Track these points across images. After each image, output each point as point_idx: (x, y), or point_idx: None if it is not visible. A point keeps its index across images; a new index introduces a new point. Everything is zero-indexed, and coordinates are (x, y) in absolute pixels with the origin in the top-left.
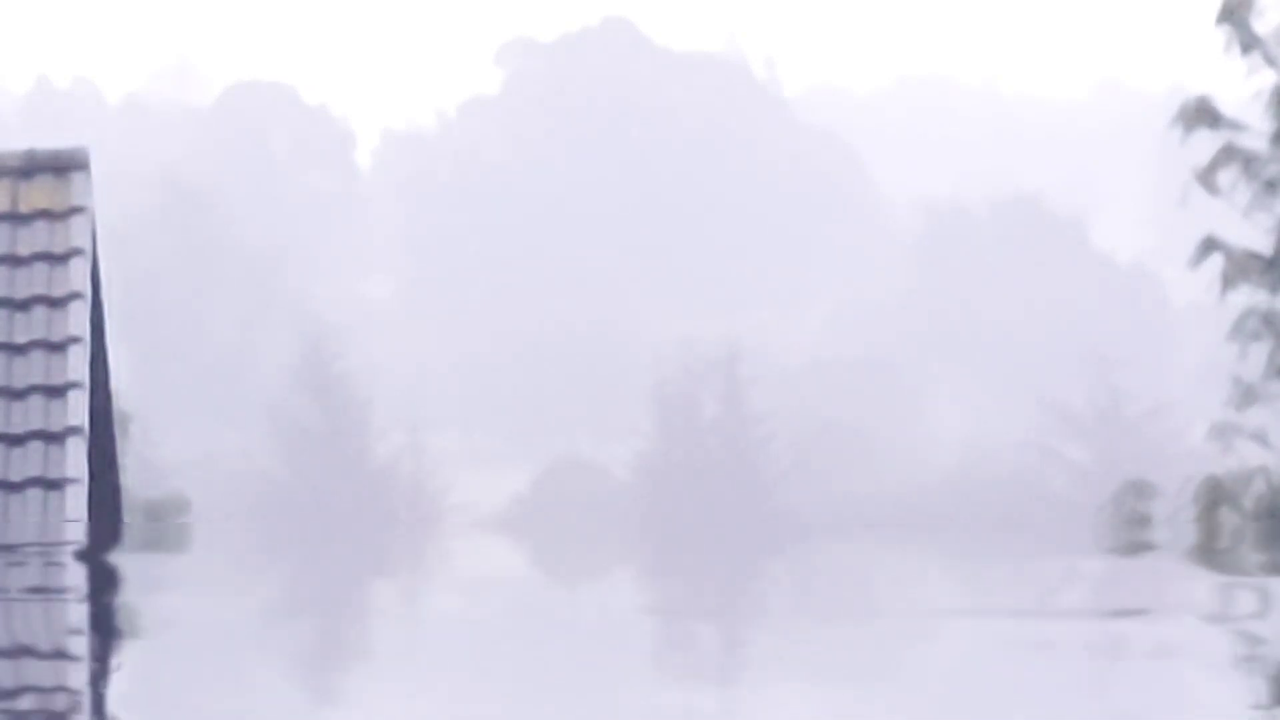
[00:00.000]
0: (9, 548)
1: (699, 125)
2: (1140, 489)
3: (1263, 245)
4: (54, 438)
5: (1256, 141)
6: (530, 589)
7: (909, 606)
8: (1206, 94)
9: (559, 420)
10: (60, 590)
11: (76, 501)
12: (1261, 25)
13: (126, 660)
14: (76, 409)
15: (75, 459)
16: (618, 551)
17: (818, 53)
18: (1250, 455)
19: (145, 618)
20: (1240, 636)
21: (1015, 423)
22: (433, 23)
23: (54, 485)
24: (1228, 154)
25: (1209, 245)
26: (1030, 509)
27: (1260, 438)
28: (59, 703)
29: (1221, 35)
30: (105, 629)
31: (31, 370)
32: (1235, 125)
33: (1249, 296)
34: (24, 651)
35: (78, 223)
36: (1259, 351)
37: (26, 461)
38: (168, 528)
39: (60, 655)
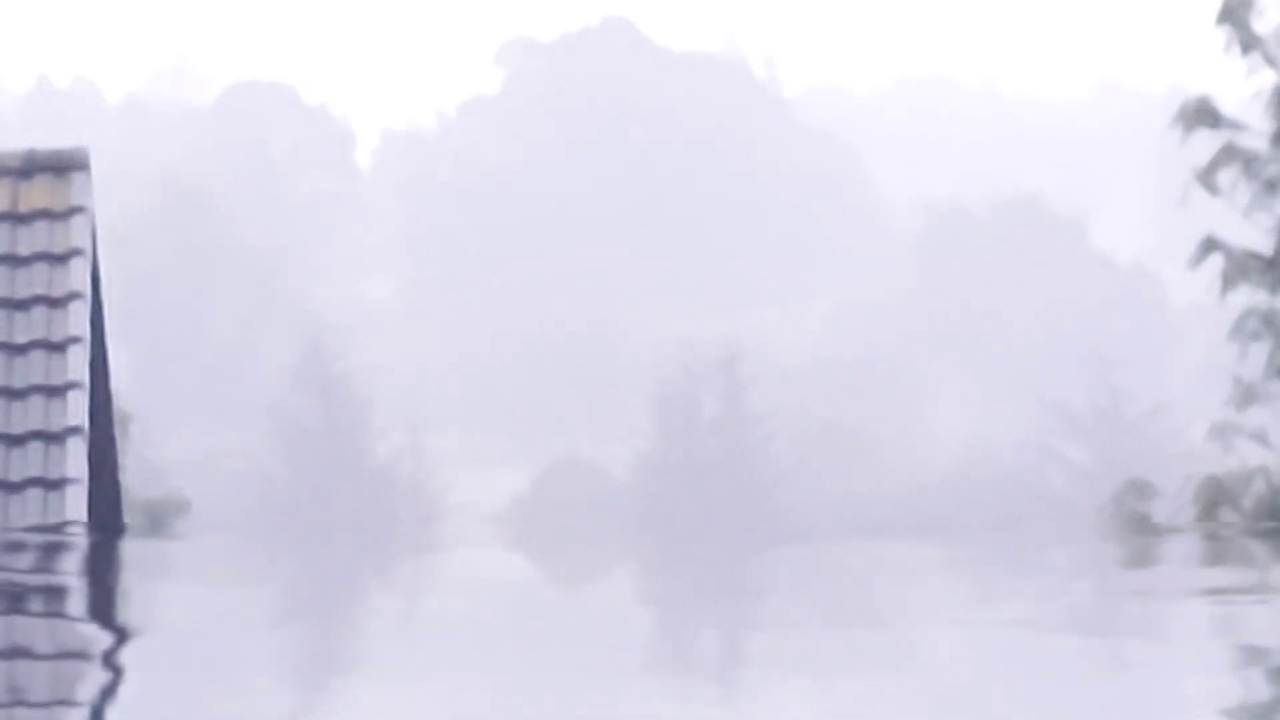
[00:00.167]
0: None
1: (699, 125)
2: (1140, 489)
3: (1263, 245)
4: (54, 438)
5: (1256, 141)
6: (530, 589)
7: (910, 606)
8: (1206, 94)
9: (559, 420)
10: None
11: (76, 501)
12: (1261, 25)
13: (126, 660)
14: (76, 409)
15: (75, 459)
16: (618, 552)
17: (818, 53)
18: (1250, 455)
19: (145, 618)
20: (1241, 636)
21: (1015, 423)
22: (433, 23)
23: (54, 485)
24: (1228, 154)
25: (1209, 245)
26: (1030, 509)
27: (1260, 438)
28: (58, 704)
29: (1221, 35)
30: (104, 629)
31: (31, 370)
32: (1235, 125)
33: (1249, 296)
34: (22, 652)
35: (78, 223)
36: (1259, 351)
37: (26, 461)
38: (167, 528)
39: (60, 656)
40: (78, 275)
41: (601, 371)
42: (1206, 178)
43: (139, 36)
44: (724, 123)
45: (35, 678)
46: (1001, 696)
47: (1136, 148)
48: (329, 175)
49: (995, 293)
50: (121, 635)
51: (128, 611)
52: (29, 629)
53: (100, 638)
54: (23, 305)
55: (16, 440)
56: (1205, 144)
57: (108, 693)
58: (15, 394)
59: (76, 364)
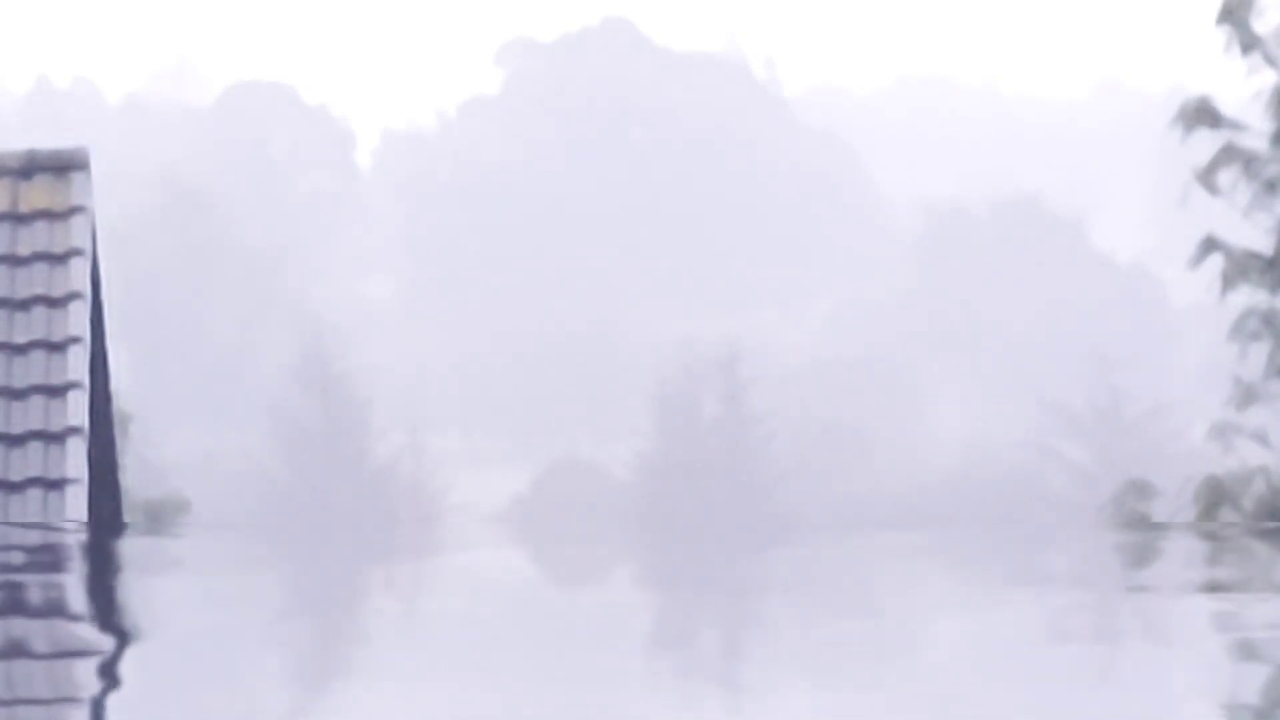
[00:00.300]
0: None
1: (699, 125)
2: (1140, 489)
3: (1263, 245)
4: (54, 438)
5: (1256, 141)
6: (530, 589)
7: (910, 607)
8: (1206, 94)
9: (559, 420)
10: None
11: (76, 501)
12: (1261, 25)
13: (124, 660)
14: (76, 409)
15: (75, 459)
16: (618, 552)
17: (818, 53)
18: (1250, 455)
19: (144, 618)
20: (1240, 637)
21: (1015, 423)
22: (433, 23)
23: (54, 485)
24: (1228, 154)
25: (1209, 245)
26: (1030, 509)
27: (1260, 438)
28: (56, 705)
29: (1221, 35)
30: (103, 630)
31: (31, 370)
32: (1235, 125)
33: (1249, 296)
34: (21, 651)
35: (78, 223)
36: (1259, 351)
37: (26, 461)
38: (167, 528)
39: (59, 656)
40: (78, 275)
41: (601, 371)
42: (1206, 178)
43: (139, 36)
44: (724, 123)
45: (33, 678)
46: (1001, 696)
47: (1136, 148)
48: (329, 175)
49: (995, 293)
50: (119, 635)
51: (126, 611)
52: (26, 629)
53: (99, 637)
54: (23, 305)
55: (16, 440)
56: (1205, 144)
57: (106, 693)
58: (15, 394)
59: (76, 364)
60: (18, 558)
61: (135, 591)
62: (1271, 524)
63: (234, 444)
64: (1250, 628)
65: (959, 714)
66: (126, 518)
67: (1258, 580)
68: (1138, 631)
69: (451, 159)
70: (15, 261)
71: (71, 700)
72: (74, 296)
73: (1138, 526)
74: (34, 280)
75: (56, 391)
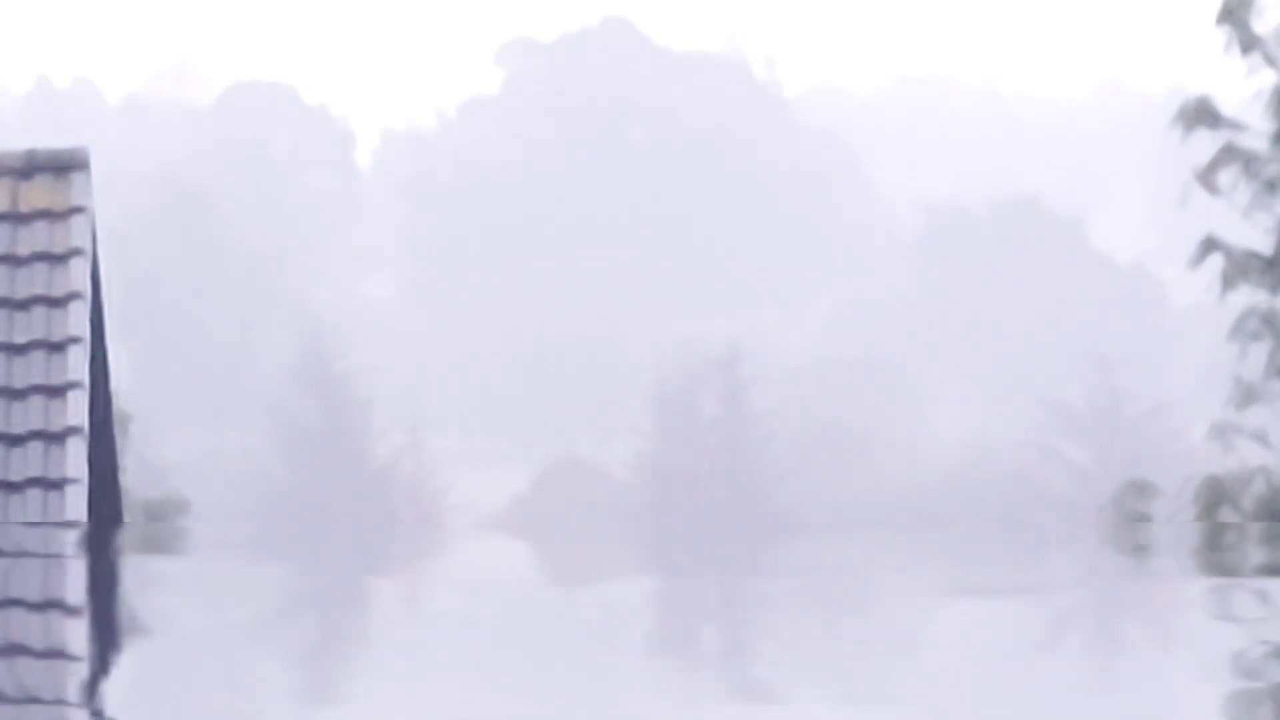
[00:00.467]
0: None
1: (699, 125)
2: (1140, 489)
3: (1263, 245)
4: (54, 438)
5: (1256, 141)
6: (530, 589)
7: (912, 607)
8: (1206, 94)
9: (559, 420)
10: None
11: (76, 501)
12: (1261, 25)
13: (125, 661)
14: (76, 409)
15: (75, 459)
16: (618, 552)
17: (818, 53)
18: (1250, 455)
19: (144, 618)
20: (1241, 636)
21: (1015, 423)
22: (433, 23)
23: (54, 485)
24: (1228, 154)
25: (1209, 245)
26: (1030, 509)
27: (1260, 438)
28: (56, 706)
29: (1221, 35)
30: (104, 629)
31: (31, 370)
32: (1235, 125)
33: (1249, 296)
34: (20, 652)
35: (78, 223)
36: (1259, 351)
37: (26, 461)
38: (167, 528)
39: (58, 656)
40: (78, 275)
41: (601, 371)
42: (1206, 178)
43: (139, 36)
44: (724, 123)
45: (30, 679)
46: (1003, 699)
47: (1136, 148)
48: (329, 175)
49: (995, 293)
50: (118, 635)
51: (124, 611)
52: (24, 629)
53: (98, 638)
54: (23, 305)
55: (16, 440)
56: (1205, 144)
57: (104, 694)
58: (15, 394)
59: (76, 364)
60: (18, 557)
61: (135, 592)
62: (1271, 524)
63: (234, 444)
64: (1250, 626)
65: (959, 714)
66: (126, 518)
67: (1258, 580)
68: (1137, 631)
69: (451, 159)
70: (15, 261)
71: (71, 700)
72: (74, 296)
73: (1137, 526)
74: (34, 280)
75: (56, 391)
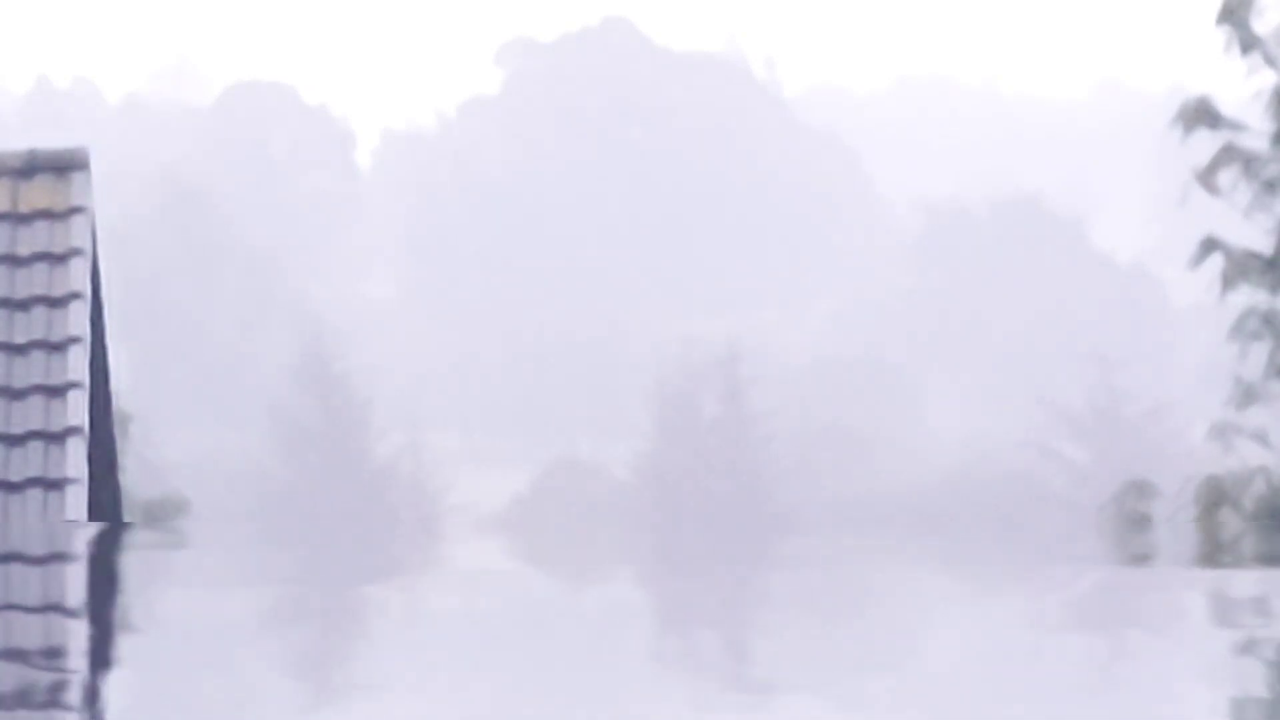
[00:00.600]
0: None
1: (699, 125)
2: (1140, 489)
3: (1263, 245)
4: (54, 438)
5: (1256, 141)
6: (531, 589)
7: (912, 607)
8: (1206, 94)
9: (559, 420)
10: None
11: (76, 501)
12: (1261, 25)
13: (125, 661)
14: (76, 409)
15: (75, 459)
16: (618, 551)
17: (818, 53)
18: (1250, 455)
19: (144, 618)
20: (1240, 639)
21: (1015, 423)
22: (433, 23)
23: (54, 485)
24: (1228, 154)
25: (1209, 245)
26: (1030, 509)
27: (1260, 438)
28: (55, 706)
29: (1221, 35)
30: (103, 629)
31: (31, 370)
32: (1235, 125)
33: (1249, 296)
34: (19, 653)
35: (78, 223)
36: (1259, 351)
37: (26, 462)
38: (167, 528)
39: (58, 656)
40: (78, 275)
41: (601, 371)
42: (1206, 178)
43: (139, 36)
44: (724, 123)
45: (30, 678)
46: (1003, 699)
47: (1136, 148)
48: (329, 175)
49: (995, 293)
50: (118, 635)
51: (124, 611)
52: (25, 628)
53: (97, 637)
54: (23, 305)
55: (16, 440)
56: (1205, 144)
57: (104, 694)
58: (15, 394)
59: (76, 364)
60: (18, 557)
61: (135, 591)
62: (1271, 523)
63: (234, 444)
64: (1250, 627)
65: (959, 713)
66: (126, 518)
67: (1256, 579)
68: (1136, 630)
69: (451, 159)
70: (15, 261)
71: (72, 700)
72: (74, 296)
73: (1137, 526)
74: (34, 280)
75: (56, 391)
